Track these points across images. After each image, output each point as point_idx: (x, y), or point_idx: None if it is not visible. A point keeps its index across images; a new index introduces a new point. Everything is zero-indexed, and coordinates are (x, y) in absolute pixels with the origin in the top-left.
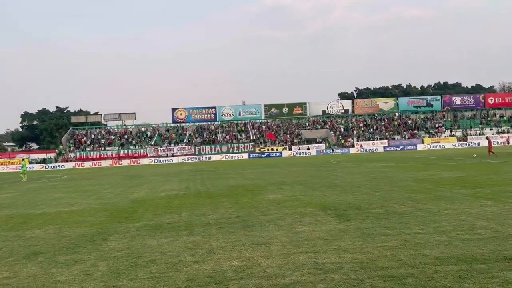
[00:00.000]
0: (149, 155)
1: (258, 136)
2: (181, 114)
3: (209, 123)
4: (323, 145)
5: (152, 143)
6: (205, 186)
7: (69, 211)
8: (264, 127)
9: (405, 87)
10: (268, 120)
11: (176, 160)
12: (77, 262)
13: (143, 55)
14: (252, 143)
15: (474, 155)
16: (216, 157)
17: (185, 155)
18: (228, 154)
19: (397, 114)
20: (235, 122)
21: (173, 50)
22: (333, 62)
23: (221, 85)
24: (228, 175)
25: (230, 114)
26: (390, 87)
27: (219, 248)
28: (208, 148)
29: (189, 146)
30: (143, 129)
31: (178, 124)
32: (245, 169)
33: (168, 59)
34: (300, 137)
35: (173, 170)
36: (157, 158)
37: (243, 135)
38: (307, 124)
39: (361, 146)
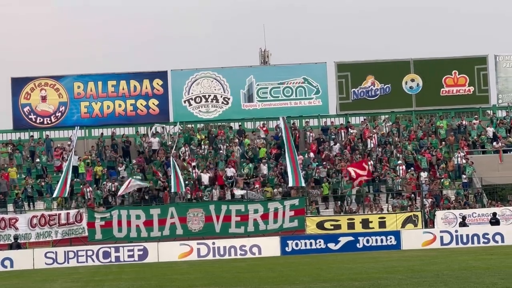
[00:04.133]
0: None
1: (320, 173)
2: (44, 98)
3: (144, 128)
4: None
5: None
6: None
7: None
8: (337, 145)
9: None
10: (353, 121)
11: (26, 259)
12: None
13: None
14: (295, 203)
15: None
16: (168, 251)
17: (59, 241)
18: (212, 241)
19: None
20: (236, 126)
21: None
22: None
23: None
24: None
25: (217, 99)
26: None
27: None
28: (139, 218)
29: (74, 212)
30: None
31: (35, 135)
32: None
33: None
34: (464, 178)
35: None
36: None
37: (264, 172)
38: (492, 133)
39: None
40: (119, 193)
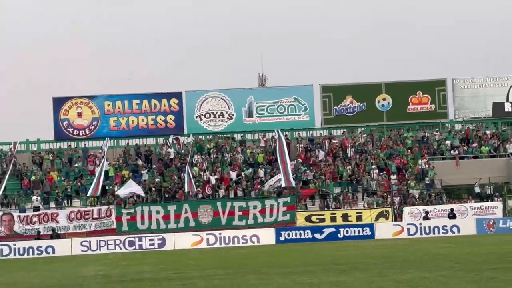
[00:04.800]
0: None
1: (307, 175)
2: (80, 114)
3: (162, 139)
4: (496, 206)
5: None
6: None
7: None
8: (322, 153)
9: None
10: (335, 132)
11: (65, 247)
12: None
13: None
14: (287, 200)
15: None
16: (183, 240)
17: (92, 232)
18: (219, 232)
19: None
20: (238, 137)
21: None
22: None
23: (199, 42)
24: None
25: (223, 116)
26: None
27: None
28: (159, 213)
29: (105, 209)
30: None
31: (71, 145)
32: (267, 277)
33: None
34: (427, 180)
35: (57, 278)
36: (11, 242)
37: (262, 175)
38: (449, 143)
39: None
40: (120, 193)
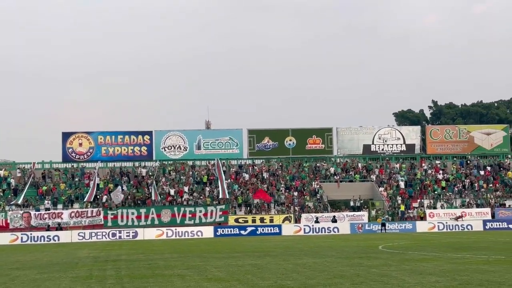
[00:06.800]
0: (11, 225)
1: (237, 191)
2: (81, 144)
3: (137, 163)
4: (363, 215)
5: (19, 202)
6: None
7: None
8: (247, 175)
9: None
10: (256, 162)
11: (66, 236)
12: None
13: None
14: (222, 207)
15: None
16: (150, 233)
17: (86, 227)
18: (175, 228)
19: (510, 156)
20: (190, 162)
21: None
22: (384, 51)
23: (165, 95)
24: (171, 272)
25: (180, 148)
26: (497, 104)
27: None
28: (133, 214)
29: (96, 210)
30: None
31: (74, 165)
32: (207, 259)
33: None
34: (318, 196)
35: (61, 257)
36: (29, 232)
37: (206, 190)
38: (333, 171)
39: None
40: (113, 199)
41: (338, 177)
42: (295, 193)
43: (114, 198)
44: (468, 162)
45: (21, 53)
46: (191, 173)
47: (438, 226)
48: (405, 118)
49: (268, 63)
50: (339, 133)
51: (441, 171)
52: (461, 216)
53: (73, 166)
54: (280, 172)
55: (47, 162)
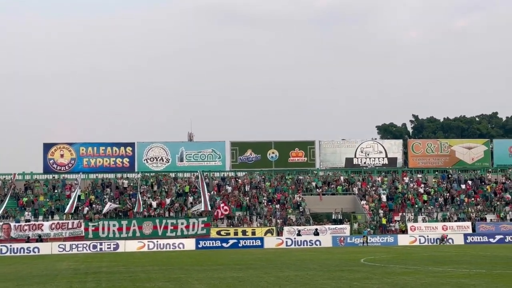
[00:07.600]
0: None
1: (220, 203)
2: (62, 155)
3: (119, 175)
4: (346, 228)
5: None
6: None
7: None
8: (229, 188)
9: (505, 118)
10: (239, 174)
11: (47, 248)
12: None
13: None
14: (205, 219)
15: None
16: (131, 245)
17: (66, 238)
18: (156, 240)
19: (491, 170)
20: (172, 175)
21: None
22: (366, 65)
23: (148, 107)
24: (153, 285)
25: (162, 160)
26: (478, 119)
27: None
28: (115, 226)
29: (77, 222)
30: None
31: (55, 176)
32: (189, 272)
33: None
34: (300, 209)
35: (40, 269)
36: (9, 244)
37: (188, 201)
38: (315, 184)
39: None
40: (104, 211)
41: (320, 190)
42: (277, 206)
43: (108, 207)
44: (449, 176)
45: (0, 65)
46: (173, 184)
47: (420, 239)
48: (388, 131)
49: (251, 76)
50: (322, 146)
51: (422, 185)
52: (444, 238)
53: (54, 177)
54: (262, 184)
55: (28, 173)
